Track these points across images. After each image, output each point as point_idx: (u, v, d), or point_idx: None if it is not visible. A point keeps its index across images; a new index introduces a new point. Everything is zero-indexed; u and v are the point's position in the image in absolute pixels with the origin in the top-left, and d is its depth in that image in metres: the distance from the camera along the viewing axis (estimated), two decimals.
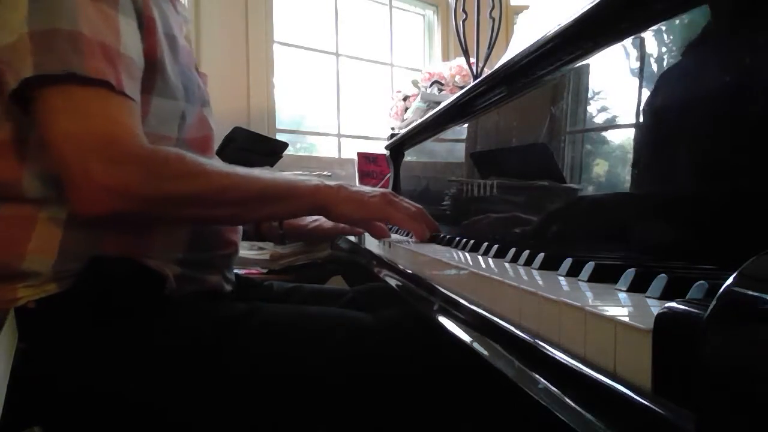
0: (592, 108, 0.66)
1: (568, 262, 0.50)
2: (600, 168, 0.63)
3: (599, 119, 0.65)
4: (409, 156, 1.50)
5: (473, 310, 0.50)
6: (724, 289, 0.22)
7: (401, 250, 0.85)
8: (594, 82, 0.65)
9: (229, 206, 0.75)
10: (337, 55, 2.56)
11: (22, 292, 0.67)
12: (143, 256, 0.73)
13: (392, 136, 1.60)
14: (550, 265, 0.53)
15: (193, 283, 0.79)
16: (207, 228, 0.83)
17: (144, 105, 0.72)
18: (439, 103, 1.48)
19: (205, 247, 0.82)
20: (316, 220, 1.26)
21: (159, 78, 0.74)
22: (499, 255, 0.65)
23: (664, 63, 0.53)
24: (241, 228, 0.93)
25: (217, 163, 0.76)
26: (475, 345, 0.47)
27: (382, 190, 0.88)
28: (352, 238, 1.33)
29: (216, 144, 1.78)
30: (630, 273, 0.40)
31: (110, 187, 0.64)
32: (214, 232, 0.84)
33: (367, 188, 0.87)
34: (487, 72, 1.01)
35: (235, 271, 1.02)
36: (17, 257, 0.67)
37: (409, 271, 0.75)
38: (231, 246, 0.88)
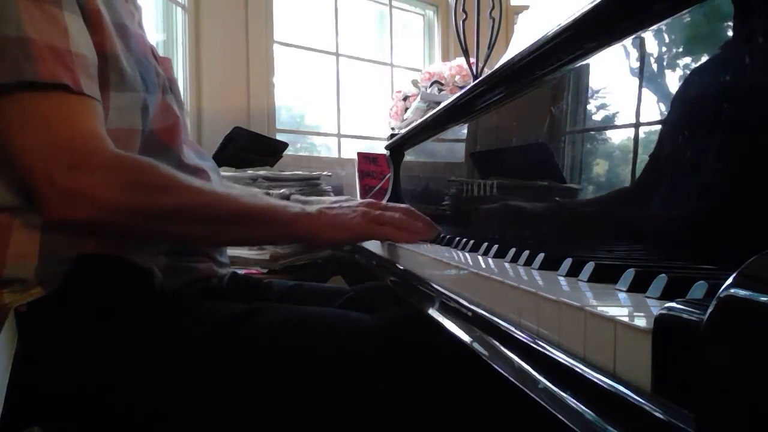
0: (592, 108, 0.66)
1: (568, 262, 0.50)
2: (600, 168, 0.63)
3: (599, 119, 0.65)
4: (409, 156, 1.50)
5: (473, 310, 0.50)
6: (723, 289, 0.22)
7: (401, 250, 0.85)
8: (594, 82, 0.65)
9: (200, 225, 0.72)
10: (337, 55, 2.56)
11: (8, 298, 0.66)
12: (127, 252, 0.72)
13: (392, 136, 1.60)
14: (550, 265, 0.53)
15: (183, 273, 0.79)
16: None
17: (103, 101, 0.70)
18: (439, 103, 1.48)
19: None
20: None
21: (113, 72, 0.72)
22: (499, 255, 0.65)
23: (664, 63, 0.53)
24: None
25: (192, 180, 0.74)
26: (475, 345, 0.47)
27: (363, 203, 0.85)
28: None
29: (214, 143, 1.79)
30: (630, 273, 0.40)
31: (75, 193, 0.63)
32: None
33: (345, 205, 0.83)
34: (487, 72, 1.01)
35: (236, 270, 1.02)
36: None
37: (409, 271, 0.75)
38: None
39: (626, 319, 0.30)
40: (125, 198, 0.66)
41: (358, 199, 0.86)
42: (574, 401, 0.31)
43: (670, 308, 0.27)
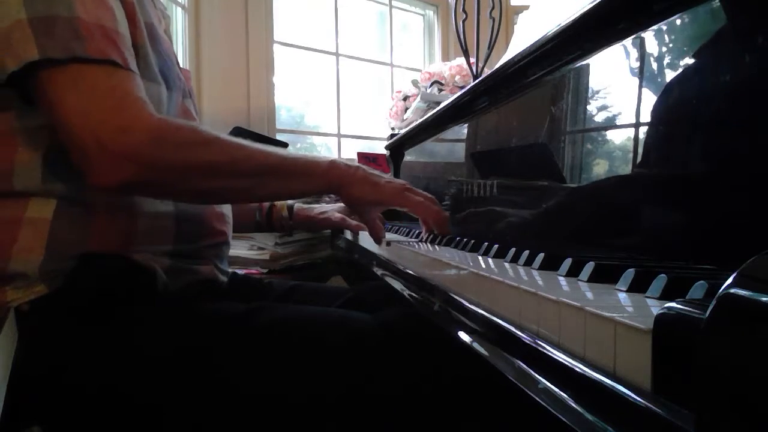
0: (592, 108, 0.66)
1: (568, 262, 0.50)
2: (600, 168, 0.63)
3: (599, 119, 0.65)
4: (409, 156, 1.50)
5: (473, 311, 0.50)
6: (723, 289, 0.22)
7: (401, 250, 0.85)
8: (594, 82, 0.65)
9: (244, 178, 0.75)
10: (337, 55, 2.56)
11: (11, 295, 0.67)
12: (131, 252, 0.73)
13: (392, 136, 1.60)
14: (550, 265, 0.53)
15: (185, 275, 0.79)
16: (193, 219, 0.82)
17: None
18: (439, 103, 1.48)
19: (192, 238, 0.82)
20: (324, 212, 1.26)
21: (141, 62, 0.75)
22: (499, 255, 0.65)
23: (664, 63, 0.53)
24: (230, 218, 0.93)
25: (231, 137, 0.77)
26: (475, 345, 0.47)
27: (401, 180, 0.86)
28: (351, 238, 1.33)
29: None
30: (630, 273, 0.40)
31: (123, 154, 0.66)
32: (201, 222, 0.84)
33: (385, 174, 0.85)
34: (487, 72, 1.01)
35: (236, 270, 1.02)
36: (3, 259, 0.67)
37: (409, 271, 0.75)
38: (220, 236, 0.87)
39: (626, 319, 0.30)
40: (171, 155, 0.68)
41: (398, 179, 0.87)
42: (574, 401, 0.31)
43: (670, 308, 0.27)
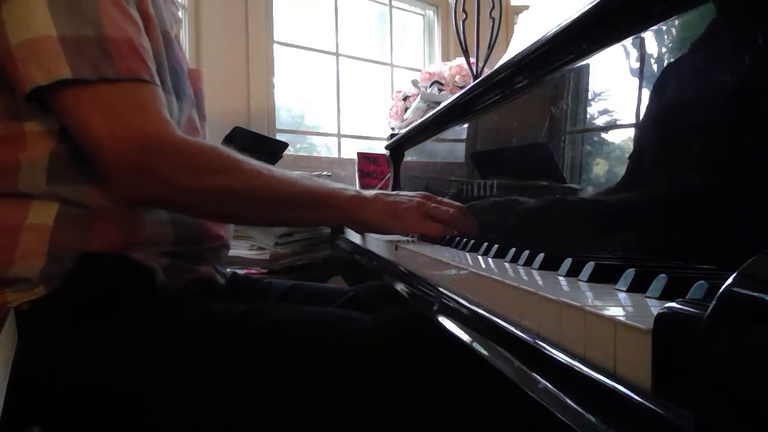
0: (592, 108, 0.66)
1: (568, 262, 0.49)
2: (600, 168, 0.63)
3: (599, 119, 0.65)
4: (409, 156, 1.50)
5: (473, 310, 0.50)
6: (723, 289, 0.22)
7: (401, 250, 0.85)
8: (594, 83, 0.65)
9: (259, 206, 0.76)
10: (337, 55, 2.56)
11: (11, 296, 0.67)
12: (130, 251, 0.73)
13: (392, 136, 1.60)
14: (550, 265, 0.53)
15: (184, 274, 0.80)
16: (191, 223, 0.82)
17: None
18: (439, 103, 1.48)
19: (192, 241, 0.82)
20: None
21: (156, 73, 0.75)
22: (499, 255, 0.65)
23: (664, 63, 0.53)
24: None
25: (253, 161, 0.77)
26: (475, 345, 0.47)
27: (418, 195, 0.83)
28: (351, 238, 1.33)
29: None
30: (630, 273, 0.40)
31: (144, 172, 0.67)
32: (200, 226, 0.84)
33: (402, 195, 0.83)
34: (487, 72, 1.01)
35: (236, 270, 1.02)
36: (4, 265, 0.67)
37: (409, 271, 0.75)
38: (218, 239, 0.88)
39: (626, 319, 0.30)
40: (190, 179, 0.70)
41: (415, 194, 0.84)
42: (574, 401, 0.31)
43: (670, 308, 0.27)
